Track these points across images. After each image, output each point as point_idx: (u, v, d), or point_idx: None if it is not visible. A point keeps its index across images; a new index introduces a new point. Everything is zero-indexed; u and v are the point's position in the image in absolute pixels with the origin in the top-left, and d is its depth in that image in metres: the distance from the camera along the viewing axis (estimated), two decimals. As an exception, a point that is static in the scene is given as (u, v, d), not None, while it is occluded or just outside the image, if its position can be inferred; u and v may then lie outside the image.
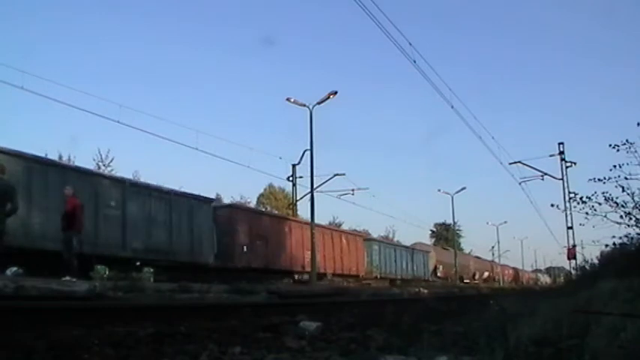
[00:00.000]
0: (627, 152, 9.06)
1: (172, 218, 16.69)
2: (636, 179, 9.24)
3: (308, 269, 22.00)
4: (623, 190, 9.34)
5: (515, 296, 10.83)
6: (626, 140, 9.09)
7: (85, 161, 28.45)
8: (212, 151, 22.58)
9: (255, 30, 75.20)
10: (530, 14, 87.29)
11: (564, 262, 34.26)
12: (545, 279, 77.13)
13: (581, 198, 10.31)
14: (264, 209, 38.66)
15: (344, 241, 28.11)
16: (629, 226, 9.64)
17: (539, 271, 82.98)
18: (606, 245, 12.22)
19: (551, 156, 27.99)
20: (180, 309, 6.59)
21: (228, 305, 7.77)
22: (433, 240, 60.05)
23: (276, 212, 35.32)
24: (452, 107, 19.24)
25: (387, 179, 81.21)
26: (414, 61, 15.53)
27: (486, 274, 54.03)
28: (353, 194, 30.75)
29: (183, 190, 18.60)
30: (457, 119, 43.23)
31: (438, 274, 41.84)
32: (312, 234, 20.14)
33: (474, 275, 49.78)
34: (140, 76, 63.58)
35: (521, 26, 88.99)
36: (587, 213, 10.15)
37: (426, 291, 19.56)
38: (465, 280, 45.48)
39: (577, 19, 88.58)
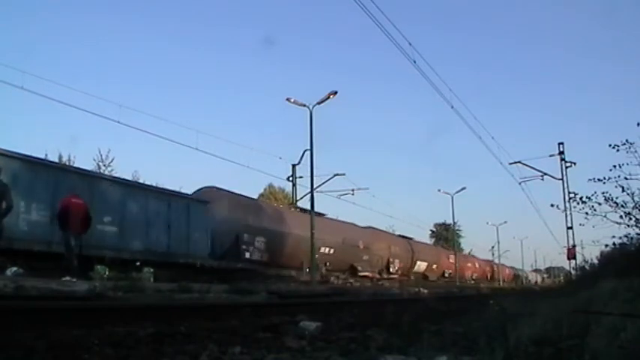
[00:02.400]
0: (627, 152, 9.11)
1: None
2: (636, 179, 9.27)
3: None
4: (623, 190, 9.37)
5: (515, 296, 10.84)
6: (626, 140, 9.13)
7: (85, 161, 28.45)
8: (212, 151, 22.55)
9: (256, 30, 75.31)
10: (530, 14, 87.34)
11: (564, 262, 34.18)
12: (536, 278, 73.26)
13: (581, 198, 10.34)
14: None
15: None
16: (629, 226, 9.68)
17: (539, 270, 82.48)
18: (606, 245, 12.29)
19: (551, 156, 28.04)
20: (180, 309, 6.60)
21: (228, 305, 7.77)
22: (433, 240, 60.01)
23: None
24: (452, 107, 19.29)
25: (387, 179, 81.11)
26: (414, 61, 15.56)
27: (425, 265, 35.59)
28: (353, 194, 30.41)
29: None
30: (457, 119, 43.38)
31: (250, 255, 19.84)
32: (312, 234, 20.12)
33: (387, 266, 30.65)
34: (140, 76, 63.71)
35: (521, 26, 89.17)
36: (587, 213, 10.19)
37: (426, 291, 19.54)
38: (360, 274, 26.48)
39: (577, 18, 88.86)
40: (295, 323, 5.10)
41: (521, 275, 67.02)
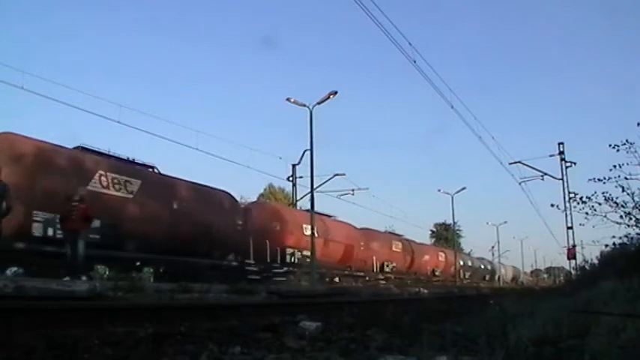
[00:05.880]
0: (627, 152, 9.10)
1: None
2: (636, 179, 9.26)
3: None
4: (623, 190, 9.37)
5: (515, 296, 10.84)
6: (626, 140, 9.12)
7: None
8: (212, 151, 22.54)
9: (256, 30, 75.39)
10: (531, 13, 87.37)
11: (564, 262, 34.05)
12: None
13: (581, 198, 10.33)
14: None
15: None
16: (629, 226, 9.67)
17: (538, 270, 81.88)
18: (606, 245, 12.26)
19: (551, 156, 28.04)
20: (180, 309, 6.59)
21: (228, 305, 7.76)
22: (433, 240, 59.93)
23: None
24: (452, 107, 19.27)
25: (387, 179, 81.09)
26: (414, 61, 15.55)
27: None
28: (353, 194, 30.46)
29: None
30: (457, 119, 43.34)
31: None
32: (312, 234, 20.12)
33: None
34: (140, 75, 63.77)
35: (521, 26, 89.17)
36: (587, 213, 10.17)
37: (426, 291, 19.51)
38: None
39: (578, 16, 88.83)
40: (295, 323, 5.10)
41: (481, 269, 49.52)
